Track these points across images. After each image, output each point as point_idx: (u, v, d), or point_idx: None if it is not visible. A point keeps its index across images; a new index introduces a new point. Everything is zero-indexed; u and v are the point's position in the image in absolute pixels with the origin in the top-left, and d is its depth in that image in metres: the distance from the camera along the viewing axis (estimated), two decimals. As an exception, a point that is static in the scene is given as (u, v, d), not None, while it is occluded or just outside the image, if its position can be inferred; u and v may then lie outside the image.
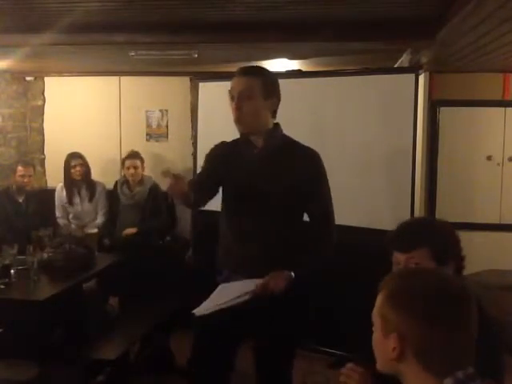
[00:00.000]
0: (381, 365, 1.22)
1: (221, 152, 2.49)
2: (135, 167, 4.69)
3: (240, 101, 2.27)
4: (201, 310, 2.23)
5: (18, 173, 4.68)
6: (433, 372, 1.12)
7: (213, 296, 2.30)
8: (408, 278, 1.23)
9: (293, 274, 2.26)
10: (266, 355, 2.49)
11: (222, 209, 2.50)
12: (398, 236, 1.74)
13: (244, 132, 2.38)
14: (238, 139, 2.46)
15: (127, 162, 4.72)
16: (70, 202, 4.80)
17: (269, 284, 2.20)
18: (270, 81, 2.35)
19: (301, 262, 2.33)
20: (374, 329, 1.22)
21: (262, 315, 2.31)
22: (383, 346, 1.17)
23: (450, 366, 1.12)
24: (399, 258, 1.71)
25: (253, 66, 2.45)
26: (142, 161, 4.76)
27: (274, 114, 2.41)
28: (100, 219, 4.82)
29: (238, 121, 2.32)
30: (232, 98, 2.31)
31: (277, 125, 2.43)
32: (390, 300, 1.18)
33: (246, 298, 2.19)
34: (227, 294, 2.27)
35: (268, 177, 2.34)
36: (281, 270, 2.25)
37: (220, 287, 2.36)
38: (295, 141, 2.50)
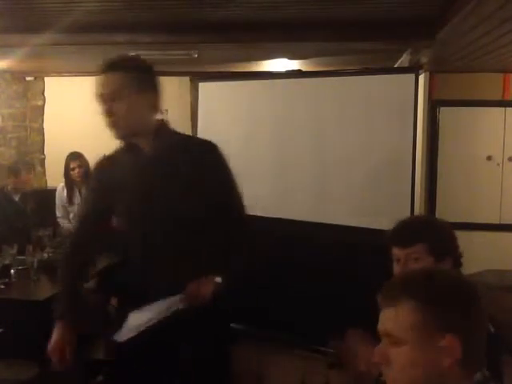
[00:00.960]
0: (423, 380, 1.04)
1: (105, 170, 2.18)
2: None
3: (108, 103, 1.97)
4: (123, 335, 1.97)
5: (22, 177, 4.66)
6: (468, 371, 1.04)
7: (130, 322, 2.03)
8: (432, 279, 1.11)
9: (218, 279, 2.00)
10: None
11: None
12: (398, 232, 1.79)
13: (122, 138, 2.08)
14: (122, 147, 2.13)
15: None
16: (71, 201, 4.80)
17: (196, 288, 1.94)
18: (140, 72, 2.05)
19: (221, 266, 2.05)
20: (394, 349, 1.06)
21: (184, 332, 2.02)
22: (425, 360, 1.03)
23: (477, 366, 1.06)
24: (399, 254, 1.75)
25: (116, 59, 2.07)
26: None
27: (154, 109, 2.08)
28: None
29: (111, 126, 2.03)
30: (100, 101, 2.01)
31: (163, 122, 2.12)
32: (427, 304, 1.05)
33: (175, 309, 1.95)
34: (148, 313, 2.01)
35: (165, 181, 2.02)
36: (204, 277, 1.98)
37: (132, 314, 2.06)
38: (189, 135, 2.23)
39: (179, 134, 2.17)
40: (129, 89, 1.97)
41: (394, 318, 1.06)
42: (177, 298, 1.95)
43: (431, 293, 1.06)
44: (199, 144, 2.15)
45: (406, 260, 1.72)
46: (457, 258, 1.77)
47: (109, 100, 1.96)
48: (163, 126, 2.11)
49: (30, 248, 3.53)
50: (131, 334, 1.97)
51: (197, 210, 2.01)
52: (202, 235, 2.04)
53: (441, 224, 1.83)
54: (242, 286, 4.07)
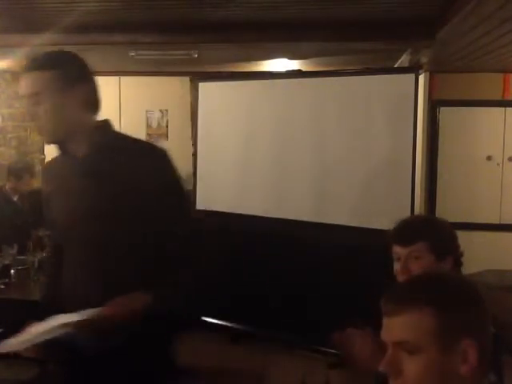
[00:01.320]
0: None
1: (44, 178, 1.98)
2: None
3: (31, 106, 1.69)
4: (5, 347, 1.66)
5: (25, 182, 4.62)
6: (480, 375, 1.01)
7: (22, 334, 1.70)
8: (444, 282, 1.10)
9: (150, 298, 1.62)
10: None
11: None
12: (399, 230, 1.79)
13: (52, 143, 1.78)
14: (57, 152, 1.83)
15: None
16: None
17: (122, 302, 1.58)
18: (64, 67, 1.71)
19: (156, 284, 1.65)
20: (408, 358, 1.02)
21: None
22: (443, 367, 0.99)
23: (487, 369, 1.05)
24: (399, 253, 1.75)
25: (36, 56, 1.73)
26: None
27: (88, 106, 1.78)
28: None
29: (38, 131, 1.78)
30: (24, 103, 1.74)
31: (102, 122, 1.84)
32: (444, 308, 1.02)
33: (68, 329, 1.58)
34: (41, 327, 1.67)
35: (97, 194, 1.72)
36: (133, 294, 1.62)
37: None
38: (133, 138, 1.91)
39: (120, 134, 1.91)
40: (51, 89, 1.67)
41: (408, 325, 1.03)
42: (92, 312, 1.58)
43: (446, 297, 1.04)
44: (141, 148, 1.86)
45: (406, 258, 1.72)
46: (457, 258, 1.77)
47: (31, 103, 1.68)
48: (102, 126, 1.82)
49: (30, 245, 3.53)
50: (15, 347, 1.66)
51: (134, 234, 1.69)
52: (134, 252, 1.70)
53: (442, 223, 1.84)
54: (242, 287, 4.09)
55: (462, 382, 0.99)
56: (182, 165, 5.75)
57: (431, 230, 1.76)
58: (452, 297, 1.04)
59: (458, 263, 1.77)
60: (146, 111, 5.63)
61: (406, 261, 1.72)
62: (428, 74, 4.48)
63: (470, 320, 1.01)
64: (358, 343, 1.66)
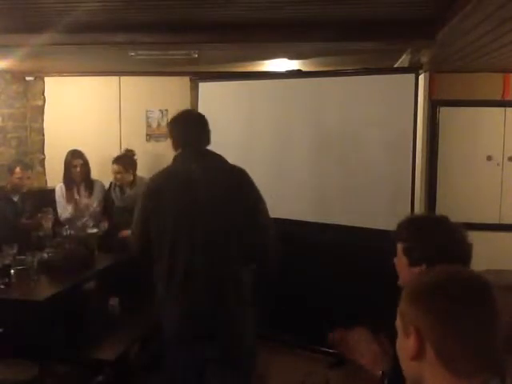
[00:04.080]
0: (405, 369, 1.16)
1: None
2: (118, 173, 4.64)
3: None
4: None
5: (16, 175, 4.65)
6: (454, 372, 1.06)
7: None
8: (425, 275, 1.22)
9: None
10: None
11: None
12: (397, 226, 1.78)
13: None
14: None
15: (113, 167, 4.68)
16: (69, 200, 4.78)
17: None
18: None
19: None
20: (398, 335, 1.18)
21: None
22: (405, 347, 1.13)
23: (473, 367, 1.06)
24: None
25: None
26: (127, 165, 4.64)
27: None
28: (95, 205, 4.78)
29: None
30: None
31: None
32: (406, 296, 1.15)
33: None
34: None
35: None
36: None
37: None
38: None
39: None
40: None
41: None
42: None
43: (410, 289, 1.16)
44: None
45: (397, 255, 1.74)
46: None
47: None
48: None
49: (30, 247, 3.54)
50: None
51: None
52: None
53: (431, 228, 1.71)
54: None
55: (418, 366, 1.10)
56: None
57: (407, 233, 1.70)
58: (416, 288, 1.14)
59: None
60: (146, 111, 5.63)
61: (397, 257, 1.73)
62: (428, 73, 4.48)
63: (420, 314, 1.10)
64: (361, 344, 1.66)
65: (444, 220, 1.76)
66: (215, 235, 2.55)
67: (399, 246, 1.70)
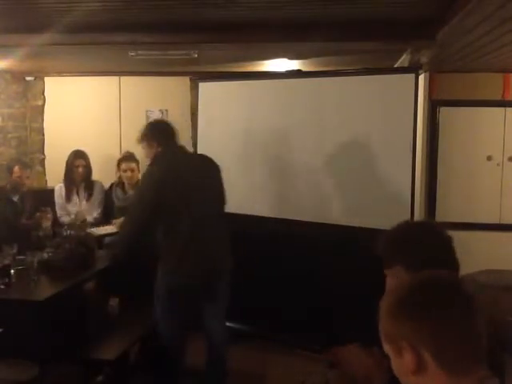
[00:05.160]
0: None
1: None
2: (132, 170, 4.65)
3: None
4: None
5: (15, 174, 4.66)
6: (456, 372, 1.08)
7: None
8: (395, 292, 1.19)
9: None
10: None
11: None
12: None
13: None
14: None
15: (124, 165, 4.68)
16: (68, 199, 4.78)
17: None
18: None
19: None
20: (391, 358, 1.17)
21: None
22: (402, 365, 1.11)
23: (472, 363, 1.08)
24: None
25: None
26: (138, 163, 4.71)
27: None
28: (95, 214, 4.78)
29: None
30: None
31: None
32: (386, 317, 1.14)
33: None
34: None
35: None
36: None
37: None
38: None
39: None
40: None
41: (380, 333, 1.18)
42: None
43: (389, 307, 1.16)
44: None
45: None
46: (411, 265, 1.61)
47: None
48: None
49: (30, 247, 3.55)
50: None
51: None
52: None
53: (419, 237, 1.69)
54: (242, 287, 4.08)
55: (422, 380, 1.09)
56: (181, 165, 5.51)
57: (382, 239, 1.71)
58: (396, 304, 1.14)
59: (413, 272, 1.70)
60: (146, 111, 5.62)
61: None
62: (428, 74, 4.48)
63: (408, 327, 1.09)
64: (348, 361, 1.66)
65: (427, 224, 1.79)
66: (213, 208, 3.38)
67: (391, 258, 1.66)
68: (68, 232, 4.11)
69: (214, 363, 3.50)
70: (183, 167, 3.33)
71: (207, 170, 3.43)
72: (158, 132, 3.38)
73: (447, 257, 1.64)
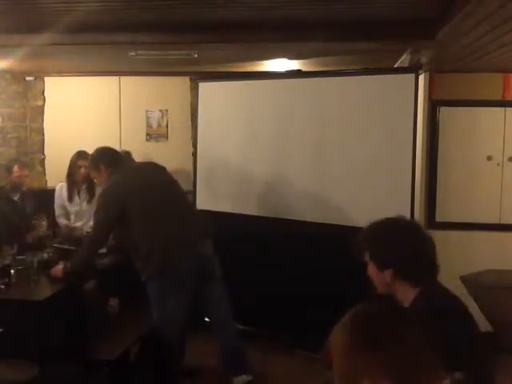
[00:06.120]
0: None
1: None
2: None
3: None
4: None
5: (14, 173, 4.66)
6: None
7: None
8: (335, 333, 1.23)
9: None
10: None
11: None
12: None
13: None
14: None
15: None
16: (70, 199, 4.78)
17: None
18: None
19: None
20: None
21: None
22: None
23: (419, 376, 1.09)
24: None
25: None
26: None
27: None
28: None
29: None
30: None
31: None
32: (338, 360, 1.16)
33: None
34: None
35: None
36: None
37: None
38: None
39: None
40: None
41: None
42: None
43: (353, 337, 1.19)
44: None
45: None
46: (401, 270, 1.71)
47: None
48: None
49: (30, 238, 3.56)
50: None
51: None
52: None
53: (393, 230, 1.78)
54: (242, 287, 4.08)
55: None
56: (181, 165, 5.88)
57: (372, 238, 1.79)
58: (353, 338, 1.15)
59: (402, 275, 1.72)
60: (146, 111, 5.63)
61: None
62: (428, 73, 4.48)
63: (357, 362, 1.10)
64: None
65: (403, 220, 1.83)
66: (181, 211, 3.59)
67: (366, 254, 1.77)
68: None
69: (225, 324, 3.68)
70: (137, 173, 3.66)
71: (157, 171, 3.72)
72: (101, 156, 3.63)
73: (421, 256, 1.71)
